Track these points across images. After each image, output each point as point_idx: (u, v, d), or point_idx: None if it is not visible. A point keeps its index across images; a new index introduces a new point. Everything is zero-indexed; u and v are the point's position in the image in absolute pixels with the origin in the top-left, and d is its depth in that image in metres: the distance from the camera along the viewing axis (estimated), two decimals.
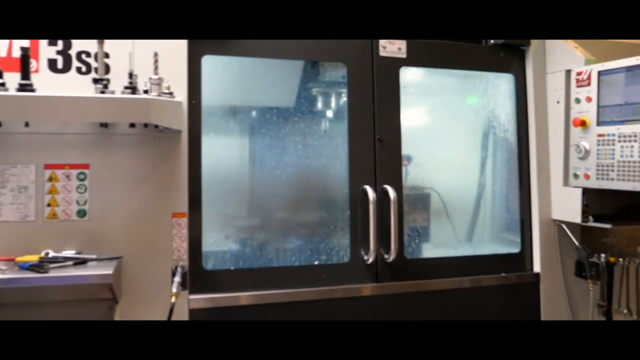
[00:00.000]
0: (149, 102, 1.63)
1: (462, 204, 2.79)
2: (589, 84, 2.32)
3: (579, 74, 2.36)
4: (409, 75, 2.48)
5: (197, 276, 2.07)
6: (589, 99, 2.31)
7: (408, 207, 2.62)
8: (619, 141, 2.17)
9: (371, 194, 2.23)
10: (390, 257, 2.25)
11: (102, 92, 1.68)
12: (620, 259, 2.39)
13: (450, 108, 2.75)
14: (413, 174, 2.57)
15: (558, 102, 2.48)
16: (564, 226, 2.48)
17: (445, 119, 2.75)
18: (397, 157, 2.34)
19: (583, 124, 2.32)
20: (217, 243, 2.17)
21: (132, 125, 1.93)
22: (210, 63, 2.13)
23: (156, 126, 1.90)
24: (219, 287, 2.09)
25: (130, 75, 1.82)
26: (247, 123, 2.25)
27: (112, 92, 1.69)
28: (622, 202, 2.52)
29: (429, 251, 2.69)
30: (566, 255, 2.49)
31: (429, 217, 2.76)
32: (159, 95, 1.86)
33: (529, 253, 2.54)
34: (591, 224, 2.33)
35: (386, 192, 2.26)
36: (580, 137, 2.36)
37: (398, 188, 2.33)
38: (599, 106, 2.28)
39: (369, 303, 2.24)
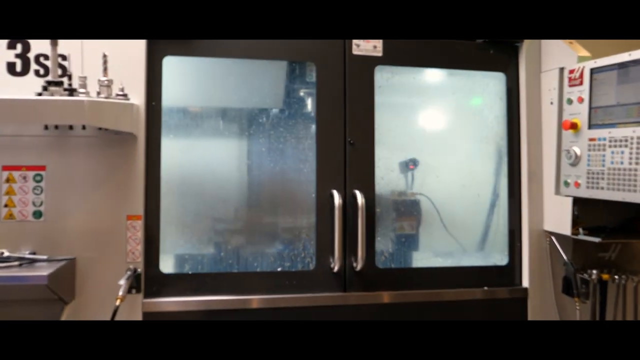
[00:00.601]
0: (84, 104, 1.62)
1: (452, 211, 2.62)
2: (581, 83, 2.11)
3: (571, 72, 2.16)
4: (399, 76, 2.37)
5: (153, 280, 2.05)
6: (580, 100, 2.10)
7: (396, 213, 2.51)
8: (610, 146, 1.96)
9: (337, 198, 2.13)
10: (358, 265, 2.14)
11: (40, 95, 1.69)
12: (616, 277, 2.16)
13: (445, 110, 2.59)
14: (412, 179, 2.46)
15: (552, 103, 2.27)
16: (553, 239, 2.27)
17: (440, 121, 2.60)
18: (369, 160, 2.22)
19: (574, 127, 2.11)
20: (177, 246, 2.14)
21: (83, 127, 1.94)
22: (173, 64, 2.10)
23: (103, 128, 1.90)
24: (177, 292, 2.06)
25: (70, 77, 1.82)
26: (211, 125, 2.21)
27: (52, 94, 1.69)
28: (631, 213, 2.28)
29: (418, 261, 2.55)
30: (558, 270, 2.28)
31: (418, 224, 2.62)
32: (107, 97, 1.85)
33: (518, 266, 2.35)
34: (581, 237, 2.12)
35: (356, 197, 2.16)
36: (571, 141, 2.15)
37: (369, 193, 2.21)
38: (590, 107, 2.06)
39: (335, 313, 2.15)
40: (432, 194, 2.56)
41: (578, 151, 2.10)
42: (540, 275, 2.30)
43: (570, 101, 2.16)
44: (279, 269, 2.18)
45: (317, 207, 2.17)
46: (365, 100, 2.23)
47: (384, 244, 2.43)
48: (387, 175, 2.38)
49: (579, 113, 2.11)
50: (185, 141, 2.17)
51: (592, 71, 2.05)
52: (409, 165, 2.70)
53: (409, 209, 2.56)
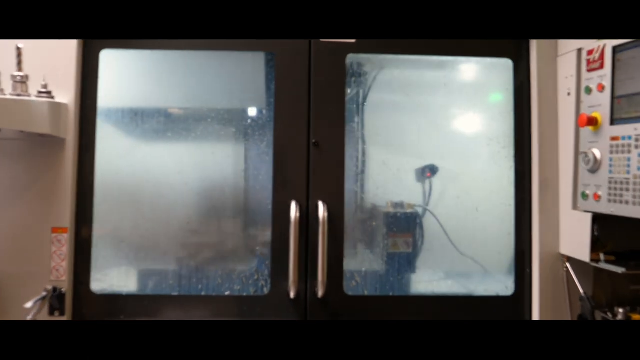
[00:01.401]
0: None
1: (453, 226, 2.21)
2: (601, 66, 1.64)
3: (589, 52, 1.69)
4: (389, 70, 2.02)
5: (82, 301, 1.81)
6: (600, 88, 1.63)
7: (388, 229, 2.13)
8: (637, 147, 1.48)
9: (294, 210, 1.79)
10: (319, 291, 1.79)
11: None
12: None
13: (440, 109, 2.18)
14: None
15: (569, 93, 1.81)
16: (568, 265, 1.80)
17: (433, 121, 2.20)
18: (338, 164, 1.86)
19: (593, 122, 1.64)
20: (110, 263, 1.88)
21: None
22: (111, 59, 1.87)
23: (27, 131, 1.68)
24: (109, 315, 1.81)
25: None
26: (151, 127, 1.94)
27: None
28: None
29: (417, 285, 2.16)
30: (578, 304, 1.80)
31: (414, 242, 2.23)
32: (21, 95, 1.63)
33: (527, 298, 1.89)
34: (602, 265, 1.64)
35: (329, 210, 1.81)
36: (590, 141, 1.68)
37: (338, 204, 1.85)
38: (613, 97, 1.59)
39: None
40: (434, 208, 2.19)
41: (598, 154, 1.63)
42: (555, 310, 1.83)
43: (588, 90, 1.69)
44: (226, 293, 1.87)
45: (273, 221, 1.84)
46: (334, 94, 1.88)
47: (377, 265, 2.07)
48: (388, 183, 2.03)
49: (600, 105, 1.64)
50: (124, 144, 1.92)
51: (615, 50, 1.58)
52: (426, 173, 2.32)
53: (404, 223, 2.18)
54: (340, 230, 1.86)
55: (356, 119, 2.26)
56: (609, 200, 1.59)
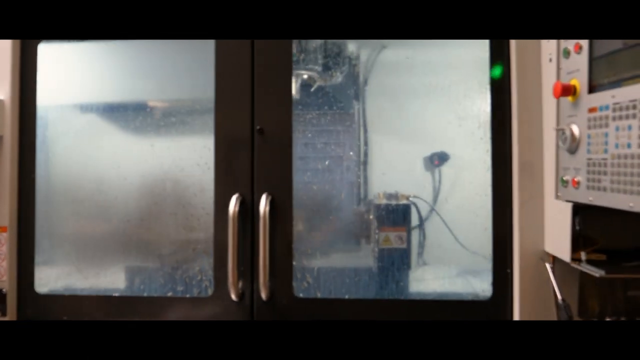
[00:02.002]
0: None
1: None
2: None
3: None
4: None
5: (26, 301, 1.75)
6: (577, 48, 1.33)
7: (378, 223, 1.94)
8: (614, 118, 1.17)
9: (232, 205, 1.62)
10: (263, 294, 1.62)
11: None
12: None
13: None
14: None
15: (550, 59, 1.50)
16: (547, 266, 1.50)
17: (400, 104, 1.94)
18: (285, 153, 1.67)
19: (570, 92, 1.34)
20: (57, 263, 1.81)
21: None
22: (52, 53, 1.79)
23: None
24: (54, 315, 1.74)
25: None
26: (92, 121, 1.83)
27: None
28: None
29: (414, 284, 1.95)
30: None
31: (408, 237, 2.01)
32: None
33: (509, 304, 1.60)
34: (584, 267, 1.34)
35: (273, 203, 1.63)
36: (569, 115, 1.37)
37: (286, 196, 1.67)
38: (591, 58, 1.28)
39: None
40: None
41: (576, 130, 1.33)
42: (539, 317, 1.54)
43: (566, 52, 1.38)
44: (169, 294, 1.74)
45: (215, 217, 1.68)
46: (281, 75, 1.69)
47: (367, 262, 1.89)
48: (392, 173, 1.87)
49: (577, 70, 1.33)
50: (66, 140, 1.83)
51: None
52: (434, 161, 2.09)
53: (398, 216, 1.97)
54: (289, 225, 1.67)
55: (356, 105, 2.07)
56: (588, 187, 1.28)
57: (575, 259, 1.37)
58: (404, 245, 2.02)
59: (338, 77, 2.06)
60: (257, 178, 1.67)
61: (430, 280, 2.05)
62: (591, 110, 1.26)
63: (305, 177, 1.81)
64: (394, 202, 2.03)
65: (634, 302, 1.40)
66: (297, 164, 1.71)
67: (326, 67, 2.03)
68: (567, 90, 1.33)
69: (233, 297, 1.62)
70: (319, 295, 1.73)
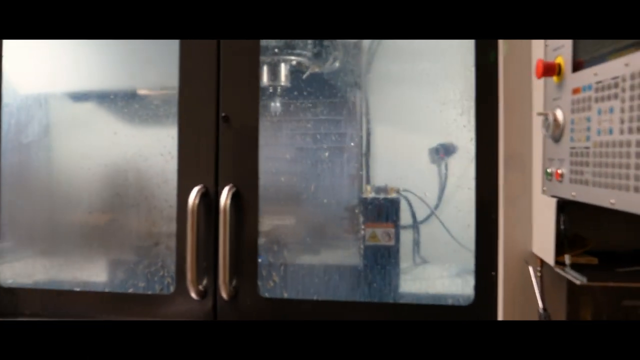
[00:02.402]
0: None
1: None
2: None
3: None
4: None
5: None
6: None
7: (364, 218, 1.82)
8: (597, 100, 1.00)
9: (192, 197, 1.52)
10: (224, 293, 1.51)
11: None
12: None
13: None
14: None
15: None
16: (530, 270, 1.32)
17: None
18: (251, 143, 1.56)
19: (554, 71, 1.17)
20: (20, 256, 1.75)
21: None
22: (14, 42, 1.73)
23: None
24: (16, 309, 1.69)
25: None
26: (57, 111, 1.76)
27: None
28: None
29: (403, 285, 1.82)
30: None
31: (397, 233, 1.87)
32: None
33: (492, 310, 1.44)
34: (567, 272, 1.16)
35: (237, 195, 1.52)
36: (555, 98, 1.20)
37: (251, 188, 1.56)
38: None
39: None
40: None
41: (560, 115, 1.15)
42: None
43: None
44: (130, 290, 1.66)
45: (177, 210, 1.59)
46: (248, 59, 1.57)
47: (351, 260, 1.77)
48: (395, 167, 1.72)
49: (562, 46, 1.16)
50: (34, 131, 1.77)
51: None
52: (440, 153, 1.95)
53: (386, 211, 1.84)
54: (254, 220, 1.56)
55: (358, 94, 1.94)
56: (571, 180, 1.11)
57: (559, 262, 1.20)
58: (392, 243, 1.89)
59: (335, 64, 1.93)
60: (222, 169, 1.57)
61: (420, 280, 1.91)
62: (575, 91, 1.09)
63: (278, 168, 1.70)
64: (382, 196, 1.90)
65: (628, 313, 1.22)
66: (295, 155, 1.60)
67: (318, 53, 1.91)
68: (550, 69, 1.16)
69: (193, 295, 1.52)
70: (286, 295, 1.61)
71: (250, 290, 1.55)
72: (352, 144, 1.88)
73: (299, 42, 1.85)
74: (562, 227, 1.19)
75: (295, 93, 1.79)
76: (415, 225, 1.95)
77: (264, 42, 1.69)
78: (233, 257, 1.54)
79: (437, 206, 1.88)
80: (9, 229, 1.73)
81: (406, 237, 1.90)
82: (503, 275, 1.40)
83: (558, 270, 1.19)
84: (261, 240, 1.63)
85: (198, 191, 1.53)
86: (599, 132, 0.98)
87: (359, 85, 1.90)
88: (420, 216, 1.91)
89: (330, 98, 1.84)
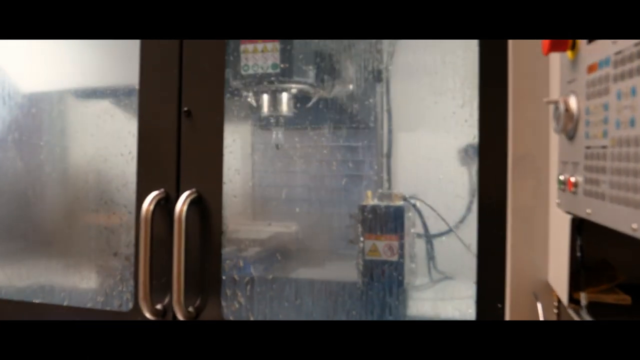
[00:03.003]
0: None
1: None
2: None
3: None
4: None
5: None
6: None
7: (364, 228, 1.59)
8: (615, 79, 0.70)
9: (147, 203, 1.33)
10: (178, 314, 1.31)
11: None
12: None
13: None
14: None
15: None
16: (539, 307, 1.01)
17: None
18: (216, 140, 1.35)
19: (567, 44, 0.86)
20: None
21: None
22: None
23: None
24: None
25: None
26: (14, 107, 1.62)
27: None
28: None
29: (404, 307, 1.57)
30: None
31: (401, 247, 1.62)
32: None
33: None
34: (582, 315, 0.85)
35: (196, 201, 1.32)
36: (569, 81, 0.89)
37: (215, 193, 1.34)
38: None
39: None
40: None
41: (573, 103, 0.85)
42: None
43: None
44: (88, 305, 1.49)
45: (136, 217, 1.40)
46: (214, 48, 1.36)
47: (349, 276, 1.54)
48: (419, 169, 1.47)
49: None
50: None
51: None
52: (469, 153, 1.70)
53: (390, 221, 1.60)
54: (218, 229, 1.34)
55: (377, 88, 1.71)
56: (585, 192, 0.81)
57: (575, 300, 0.89)
58: (395, 258, 1.62)
59: (348, 87, 1.66)
60: (184, 171, 1.37)
61: (434, 301, 1.64)
62: (590, 69, 0.79)
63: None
64: (384, 203, 1.64)
65: None
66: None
67: (320, 79, 1.63)
68: (560, 42, 0.85)
69: (148, 315, 1.33)
70: (251, 317, 1.38)
71: (213, 312, 1.34)
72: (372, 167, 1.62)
73: (299, 69, 1.59)
74: (578, 253, 0.88)
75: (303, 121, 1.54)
76: (428, 237, 1.68)
77: (259, 70, 1.45)
78: (196, 273, 1.33)
79: (464, 217, 1.59)
80: None
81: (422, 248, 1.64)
82: (509, 309, 1.10)
83: (571, 312, 0.88)
84: (252, 252, 1.43)
85: (155, 197, 1.34)
86: (617, 124, 0.68)
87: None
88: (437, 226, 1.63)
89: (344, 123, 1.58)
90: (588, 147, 0.79)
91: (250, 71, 1.42)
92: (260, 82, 1.45)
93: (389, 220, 1.61)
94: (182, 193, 1.35)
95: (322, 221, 1.64)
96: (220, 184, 1.34)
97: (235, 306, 1.37)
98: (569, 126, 0.85)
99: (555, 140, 1.04)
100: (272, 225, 1.62)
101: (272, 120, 1.58)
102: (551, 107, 0.91)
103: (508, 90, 1.12)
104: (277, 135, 1.61)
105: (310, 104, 1.60)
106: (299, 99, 1.59)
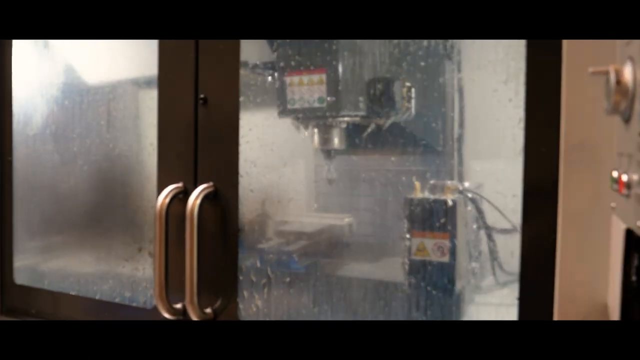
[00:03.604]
0: None
1: None
2: None
3: None
4: None
5: (7, 293, 1.67)
6: None
7: (411, 224, 1.44)
8: None
9: (162, 198, 1.27)
10: (192, 314, 1.23)
11: None
12: None
13: None
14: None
15: None
16: None
17: None
18: (232, 128, 1.24)
19: None
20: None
21: None
22: None
23: None
24: (30, 308, 1.63)
25: None
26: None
27: None
28: None
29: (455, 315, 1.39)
30: None
31: (453, 246, 1.44)
32: None
33: None
34: None
35: (209, 195, 1.24)
36: (626, 42, 0.66)
37: (231, 188, 1.25)
38: None
39: None
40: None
41: (628, 73, 0.62)
42: None
43: None
44: (116, 300, 1.47)
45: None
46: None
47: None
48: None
49: None
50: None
51: None
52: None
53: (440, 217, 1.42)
54: (234, 226, 1.25)
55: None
56: (638, 198, 0.58)
57: None
58: (446, 259, 1.42)
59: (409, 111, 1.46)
60: (202, 164, 1.29)
61: (485, 307, 1.44)
62: None
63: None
64: (432, 197, 1.43)
65: None
66: None
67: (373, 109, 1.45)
68: None
69: (165, 314, 1.28)
70: (268, 317, 1.28)
71: (229, 312, 1.25)
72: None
73: (348, 101, 1.41)
74: (633, 277, 0.65)
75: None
76: (489, 235, 1.46)
77: (306, 104, 1.29)
78: (214, 272, 1.26)
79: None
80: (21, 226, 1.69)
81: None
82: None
83: None
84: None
85: (171, 191, 1.28)
86: None
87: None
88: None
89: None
90: None
91: (297, 105, 1.28)
92: (308, 117, 1.31)
93: (439, 216, 1.41)
94: (199, 187, 1.27)
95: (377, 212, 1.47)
96: (237, 175, 1.24)
97: (253, 309, 1.28)
98: (623, 104, 0.62)
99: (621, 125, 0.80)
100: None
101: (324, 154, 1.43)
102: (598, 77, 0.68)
103: (562, 57, 0.88)
104: (330, 169, 1.45)
105: (365, 134, 1.43)
106: (352, 130, 1.42)
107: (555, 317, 0.89)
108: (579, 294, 0.86)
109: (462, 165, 1.37)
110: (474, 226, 1.46)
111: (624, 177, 0.62)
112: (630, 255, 0.65)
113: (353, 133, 1.38)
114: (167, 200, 1.26)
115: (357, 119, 1.35)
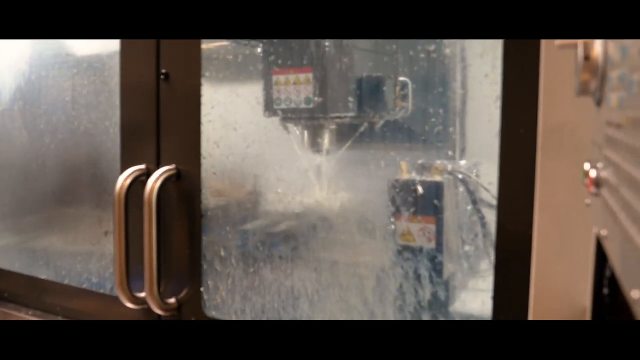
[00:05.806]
0: None
1: None
2: None
3: None
4: None
5: None
6: None
7: (395, 208, 1.35)
8: None
9: (121, 181, 1.19)
10: (152, 305, 1.17)
11: None
12: None
13: None
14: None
15: None
16: None
17: None
18: (194, 105, 1.15)
19: None
20: None
21: None
22: None
23: None
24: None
25: None
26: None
27: None
28: None
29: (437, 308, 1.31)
30: None
31: (439, 231, 1.35)
32: None
33: None
34: None
35: (172, 178, 1.16)
36: None
37: (193, 170, 1.17)
38: None
39: None
40: None
41: (597, 48, 0.50)
42: None
43: None
44: (84, 286, 1.42)
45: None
46: None
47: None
48: None
49: None
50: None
51: None
52: None
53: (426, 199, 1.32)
54: (198, 212, 1.17)
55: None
56: (604, 201, 0.48)
57: None
58: (432, 245, 1.33)
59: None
60: (164, 145, 1.21)
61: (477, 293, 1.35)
62: None
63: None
64: (419, 178, 1.33)
65: None
66: None
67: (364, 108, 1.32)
68: None
69: (126, 303, 1.22)
70: (234, 316, 1.21)
71: (193, 307, 1.19)
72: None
73: (336, 101, 1.28)
74: (605, 289, 0.56)
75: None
76: (481, 217, 1.35)
77: (292, 105, 1.18)
78: (178, 260, 1.19)
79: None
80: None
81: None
82: None
83: None
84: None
85: (132, 173, 1.20)
86: None
87: None
88: None
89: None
90: (610, 123, 0.46)
91: (283, 106, 1.17)
92: (295, 118, 1.20)
93: (426, 199, 1.31)
94: (162, 167, 1.19)
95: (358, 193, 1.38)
96: (199, 158, 1.16)
97: (218, 300, 1.21)
98: (593, 85, 0.52)
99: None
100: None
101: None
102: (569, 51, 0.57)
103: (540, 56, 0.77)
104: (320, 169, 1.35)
105: (357, 134, 1.31)
106: (344, 129, 1.31)
107: (530, 311, 0.80)
108: (556, 297, 0.77)
109: (447, 145, 1.26)
110: (468, 208, 1.36)
111: (592, 173, 0.51)
112: (603, 265, 0.56)
113: (345, 131, 1.27)
114: (128, 182, 1.19)
115: (347, 119, 1.24)
